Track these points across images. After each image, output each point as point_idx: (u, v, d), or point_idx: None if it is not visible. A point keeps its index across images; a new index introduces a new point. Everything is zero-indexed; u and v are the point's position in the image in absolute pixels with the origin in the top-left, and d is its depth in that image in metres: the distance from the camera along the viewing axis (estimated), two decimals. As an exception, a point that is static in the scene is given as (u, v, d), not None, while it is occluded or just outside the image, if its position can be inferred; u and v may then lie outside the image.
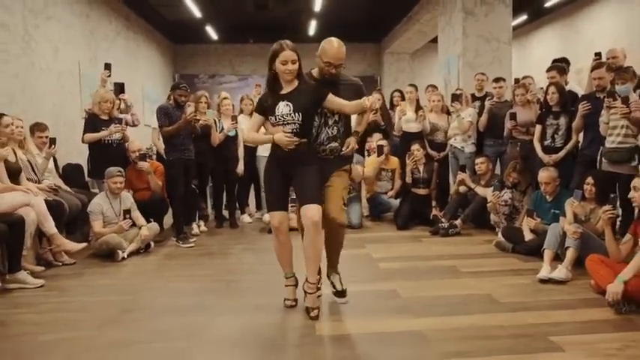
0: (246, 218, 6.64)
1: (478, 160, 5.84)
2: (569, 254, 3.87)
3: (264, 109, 3.15)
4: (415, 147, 6.20)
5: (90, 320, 3.16)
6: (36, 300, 3.55)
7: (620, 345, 2.69)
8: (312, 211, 3.03)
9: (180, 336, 2.90)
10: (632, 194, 3.47)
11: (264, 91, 3.30)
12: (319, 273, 3.27)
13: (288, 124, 3.04)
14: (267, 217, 5.88)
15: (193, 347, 2.76)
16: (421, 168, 6.22)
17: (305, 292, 3.22)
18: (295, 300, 3.33)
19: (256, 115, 3.20)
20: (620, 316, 3.08)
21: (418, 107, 6.57)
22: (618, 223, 4.37)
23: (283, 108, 3.05)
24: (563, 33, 11.12)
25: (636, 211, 3.72)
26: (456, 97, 6.16)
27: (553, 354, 2.60)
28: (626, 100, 4.03)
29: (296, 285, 3.36)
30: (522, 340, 2.75)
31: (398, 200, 6.38)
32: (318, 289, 3.23)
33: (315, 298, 3.17)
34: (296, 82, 3.11)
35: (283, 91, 3.11)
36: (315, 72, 3.28)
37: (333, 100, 3.14)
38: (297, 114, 3.04)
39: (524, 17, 11.45)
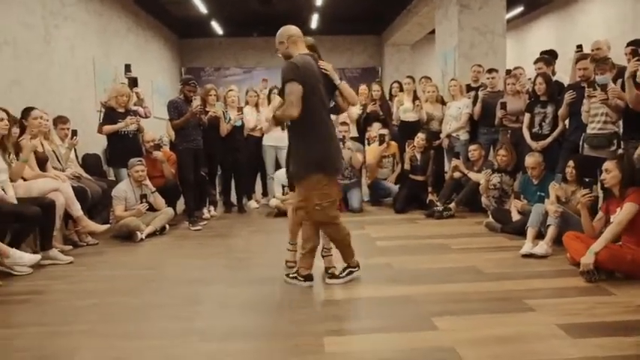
0: (253, 204, 7.01)
1: (471, 147, 6.18)
2: (550, 231, 4.22)
3: None
4: (421, 136, 6.53)
5: (117, 289, 3.56)
6: (67, 273, 3.96)
7: (586, 306, 3.02)
8: None
9: (201, 300, 3.28)
10: (603, 176, 3.82)
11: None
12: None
13: None
14: (273, 201, 6.28)
15: (213, 310, 3.15)
16: (419, 156, 6.57)
17: None
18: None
19: None
20: (590, 284, 3.42)
21: (415, 98, 6.89)
22: (600, 202, 4.69)
23: None
24: (558, 24, 11.37)
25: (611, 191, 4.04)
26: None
27: (525, 313, 2.95)
28: (604, 88, 4.33)
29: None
30: (499, 303, 3.11)
31: (397, 186, 6.75)
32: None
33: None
34: None
35: None
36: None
37: None
38: None
39: (519, 9, 11.68)
